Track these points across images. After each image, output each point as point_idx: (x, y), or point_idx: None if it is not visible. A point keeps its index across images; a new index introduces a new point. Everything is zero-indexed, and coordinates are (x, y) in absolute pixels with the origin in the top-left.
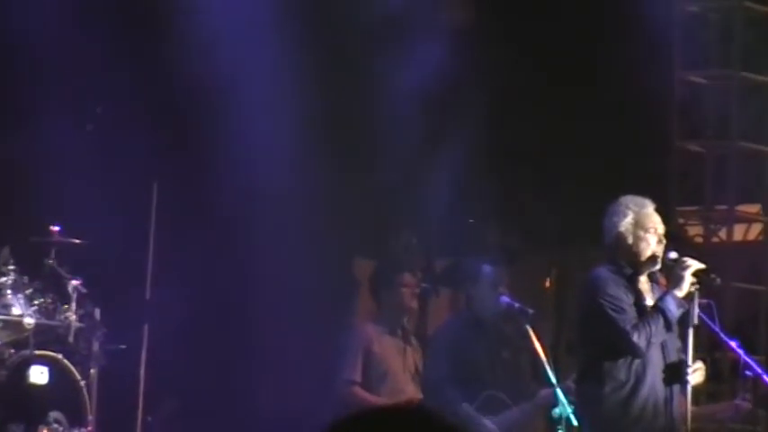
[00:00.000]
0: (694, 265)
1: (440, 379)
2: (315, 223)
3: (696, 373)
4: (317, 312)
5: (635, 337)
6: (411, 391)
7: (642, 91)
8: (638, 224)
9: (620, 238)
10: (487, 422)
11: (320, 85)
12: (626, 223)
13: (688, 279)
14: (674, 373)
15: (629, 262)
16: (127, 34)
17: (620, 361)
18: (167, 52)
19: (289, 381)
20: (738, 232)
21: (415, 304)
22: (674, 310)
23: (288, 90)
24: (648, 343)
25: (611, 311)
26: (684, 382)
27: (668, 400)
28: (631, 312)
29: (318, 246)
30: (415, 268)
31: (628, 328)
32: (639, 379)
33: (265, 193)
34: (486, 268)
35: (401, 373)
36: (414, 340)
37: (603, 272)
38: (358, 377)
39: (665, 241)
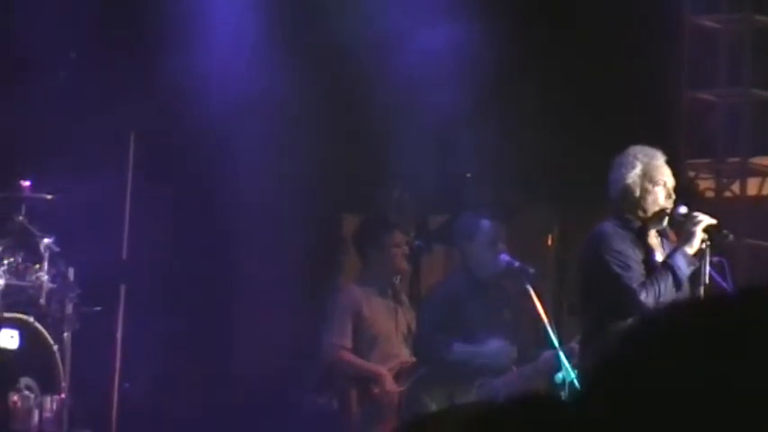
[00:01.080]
0: (705, 220)
1: (429, 331)
2: (301, 177)
3: None
4: (304, 271)
5: (642, 296)
6: (403, 355)
7: (649, 37)
8: (647, 176)
9: (627, 190)
10: (483, 344)
11: (309, 29)
12: (633, 175)
13: (699, 235)
14: None
15: (636, 216)
16: None
17: (626, 322)
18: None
19: (273, 343)
20: (752, 186)
21: (405, 264)
22: (684, 268)
23: (274, 32)
24: (657, 302)
25: (616, 268)
26: None
27: None
28: (639, 269)
29: (305, 201)
30: (406, 225)
31: (634, 285)
32: None
33: (249, 146)
34: (484, 224)
35: (393, 336)
36: (405, 300)
37: (609, 227)
38: (347, 342)
39: (674, 196)
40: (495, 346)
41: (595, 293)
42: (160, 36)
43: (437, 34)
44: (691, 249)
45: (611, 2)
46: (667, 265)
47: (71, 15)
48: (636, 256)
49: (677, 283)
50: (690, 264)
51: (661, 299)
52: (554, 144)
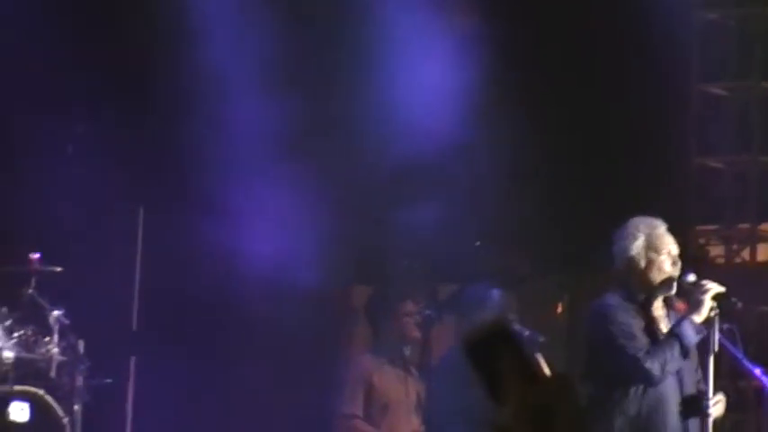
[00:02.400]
0: (714, 288)
1: (444, 412)
2: (311, 249)
3: (716, 406)
4: (315, 344)
5: (647, 364)
6: (413, 424)
7: (657, 105)
8: (651, 246)
9: (632, 262)
10: None
11: (310, 100)
12: (637, 246)
13: (707, 303)
14: (692, 405)
15: (642, 287)
16: (109, 55)
17: (631, 393)
18: (151, 72)
19: (286, 418)
20: (762, 252)
21: (417, 334)
22: (692, 336)
23: (274, 107)
24: (663, 371)
25: (620, 339)
26: (704, 416)
27: None
28: (643, 339)
29: (315, 273)
30: (417, 295)
31: (640, 354)
32: (652, 413)
33: (258, 218)
34: (494, 293)
35: (403, 405)
36: (414, 371)
37: (613, 299)
38: (359, 411)
39: (679, 263)
40: None
41: (600, 365)
42: (167, 106)
43: (447, 100)
44: (699, 317)
45: (619, 71)
46: (674, 333)
47: (79, 88)
48: (640, 326)
49: (684, 352)
50: (698, 332)
51: (668, 367)
52: (563, 212)
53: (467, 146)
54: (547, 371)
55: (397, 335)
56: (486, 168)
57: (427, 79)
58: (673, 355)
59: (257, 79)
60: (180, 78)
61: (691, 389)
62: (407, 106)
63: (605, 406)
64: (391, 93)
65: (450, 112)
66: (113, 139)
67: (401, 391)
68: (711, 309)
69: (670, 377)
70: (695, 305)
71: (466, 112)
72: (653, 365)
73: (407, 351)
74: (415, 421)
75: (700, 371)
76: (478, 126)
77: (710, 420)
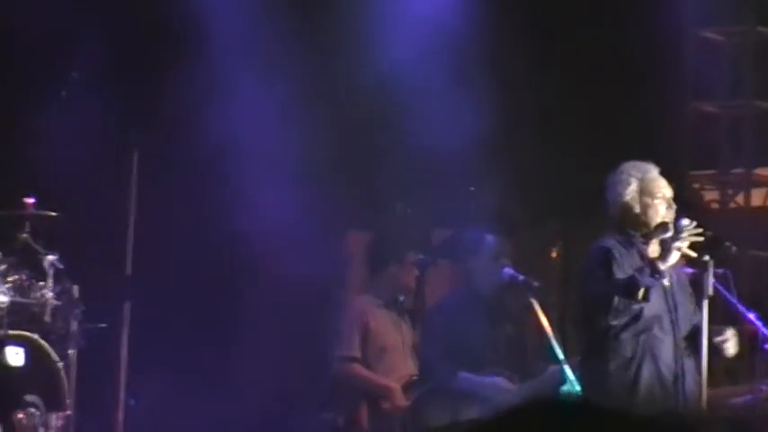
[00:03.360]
0: (687, 241)
1: (436, 356)
2: (305, 193)
3: (729, 343)
4: (310, 287)
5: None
6: (409, 368)
7: (652, 50)
8: (644, 191)
9: (627, 207)
10: (489, 378)
11: (313, 47)
12: (631, 191)
13: (676, 254)
14: (692, 344)
15: (638, 231)
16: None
17: (625, 335)
18: (148, 15)
19: (281, 359)
20: (757, 197)
21: (412, 284)
22: (649, 281)
23: (277, 46)
24: (617, 317)
25: (588, 282)
26: (716, 351)
27: (679, 378)
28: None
29: (310, 217)
30: (414, 242)
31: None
32: (646, 354)
33: (253, 163)
34: (488, 238)
35: (399, 349)
36: (407, 318)
37: (610, 241)
38: (357, 353)
39: (674, 206)
40: (498, 382)
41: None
42: (162, 52)
43: (440, 48)
44: (663, 265)
45: (614, 16)
46: (632, 277)
47: (73, 34)
48: (629, 266)
49: (629, 293)
50: (658, 277)
51: (619, 313)
52: (557, 158)
53: (461, 89)
54: (542, 316)
55: (395, 282)
56: (481, 113)
57: (420, 24)
58: (620, 300)
59: (258, 27)
60: (177, 21)
61: (684, 330)
62: (402, 48)
63: (600, 349)
64: (387, 35)
65: (445, 56)
66: (108, 83)
67: (397, 335)
68: (705, 252)
69: (665, 319)
70: (666, 252)
71: (461, 55)
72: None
73: (401, 298)
74: (411, 365)
75: (698, 312)
76: (473, 70)
77: (704, 363)
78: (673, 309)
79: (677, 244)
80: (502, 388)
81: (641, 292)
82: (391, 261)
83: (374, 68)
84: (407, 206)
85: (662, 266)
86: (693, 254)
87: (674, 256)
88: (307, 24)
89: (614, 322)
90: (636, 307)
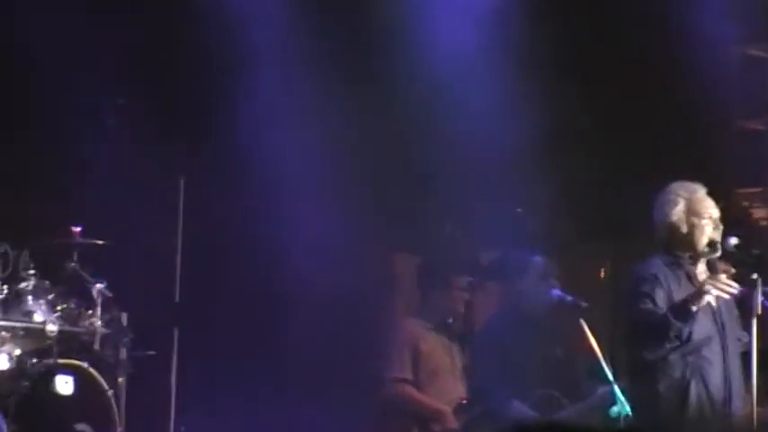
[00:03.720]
0: (725, 289)
1: (488, 379)
2: (353, 217)
3: None
4: (359, 310)
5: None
6: (459, 391)
7: (699, 68)
8: (691, 211)
9: (674, 228)
10: (537, 415)
11: (354, 72)
12: (678, 212)
13: (708, 298)
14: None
15: (685, 252)
16: (147, 21)
17: (674, 356)
18: (192, 39)
19: (329, 384)
20: None
21: (461, 308)
22: (679, 325)
23: (318, 79)
24: (653, 354)
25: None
26: (750, 375)
27: (728, 400)
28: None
29: (358, 240)
30: (462, 265)
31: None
32: (695, 375)
33: (301, 186)
34: (536, 259)
35: (450, 372)
36: (457, 340)
37: (655, 264)
38: (409, 375)
39: (721, 226)
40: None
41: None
42: (208, 78)
43: (492, 72)
44: (695, 306)
45: (662, 34)
46: (666, 317)
47: (120, 60)
48: (679, 291)
49: (660, 335)
50: (687, 317)
51: (653, 351)
52: (605, 177)
53: (509, 110)
54: (591, 337)
55: (444, 306)
56: (528, 133)
57: (465, 44)
58: (656, 340)
59: (292, 51)
60: (224, 48)
61: (733, 351)
62: (445, 70)
63: (649, 370)
64: (428, 57)
65: (492, 75)
66: (154, 110)
67: (447, 358)
68: (753, 271)
69: (714, 340)
70: (698, 294)
71: (509, 76)
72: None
73: (450, 321)
74: (461, 389)
75: (744, 332)
76: (521, 90)
77: (755, 383)
78: (721, 329)
79: (710, 290)
80: None
81: (671, 334)
82: (439, 285)
83: (418, 90)
84: (455, 228)
85: (693, 308)
86: (726, 296)
87: (706, 299)
88: (353, 44)
89: (650, 357)
90: (670, 346)
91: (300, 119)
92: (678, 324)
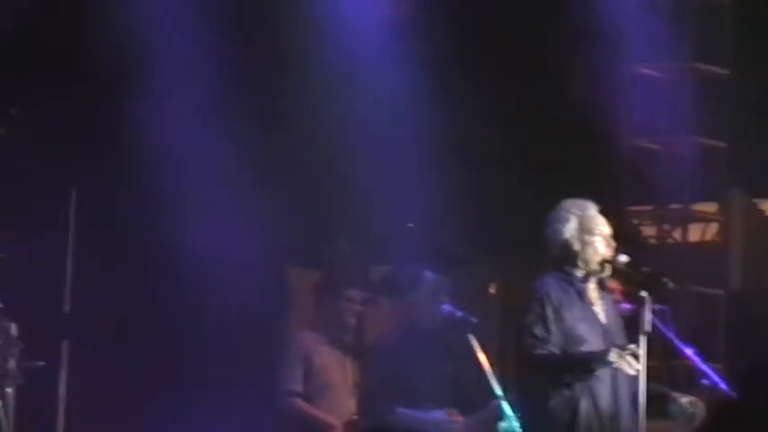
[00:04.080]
0: (625, 362)
1: (373, 390)
2: (246, 231)
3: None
4: (252, 324)
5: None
6: (351, 406)
7: (589, 86)
8: (583, 228)
9: (566, 245)
10: (428, 414)
11: (250, 84)
12: (570, 229)
13: (608, 363)
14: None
15: (578, 269)
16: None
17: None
18: (86, 49)
19: (224, 397)
20: (695, 232)
21: (353, 320)
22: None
23: (214, 90)
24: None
25: (525, 329)
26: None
27: (616, 417)
28: (546, 336)
29: (251, 255)
30: (355, 279)
31: (534, 351)
32: (585, 392)
33: (192, 200)
34: (427, 275)
35: (342, 387)
36: (351, 355)
37: (550, 281)
38: (299, 387)
39: (613, 244)
40: (438, 417)
41: None
42: (101, 90)
43: (385, 78)
44: (598, 367)
45: (553, 53)
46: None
47: (9, 71)
48: (577, 311)
49: (557, 376)
50: (588, 375)
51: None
52: (496, 194)
53: (402, 128)
54: (480, 352)
55: (338, 318)
56: (420, 150)
57: (368, 62)
58: (548, 378)
59: (199, 60)
60: (116, 58)
61: (622, 371)
62: (340, 81)
63: (539, 386)
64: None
65: (390, 91)
66: (46, 122)
67: (340, 372)
68: (643, 288)
69: None
70: (600, 360)
71: (406, 92)
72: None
73: (345, 335)
74: (353, 404)
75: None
76: (416, 108)
77: (642, 399)
78: (610, 347)
79: (613, 360)
80: (442, 424)
81: (564, 381)
82: (330, 297)
83: (313, 102)
84: (347, 242)
85: (596, 367)
86: (628, 371)
87: (608, 364)
88: (256, 54)
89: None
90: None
91: (197, 134)
92: (573, 379)
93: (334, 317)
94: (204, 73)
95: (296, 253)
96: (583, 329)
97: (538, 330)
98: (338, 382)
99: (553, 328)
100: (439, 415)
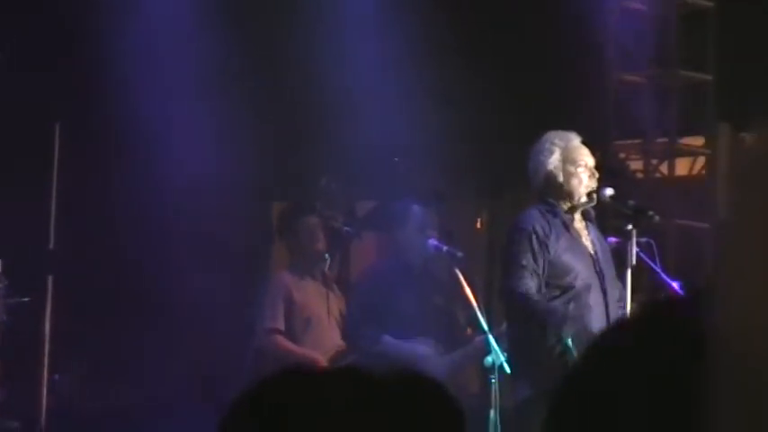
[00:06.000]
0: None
1: (358, 320)
2: (230, 166)
3: None
4: (234, 260)
5: (515, 298)
6: (336, 338)
7: (576, 19)
8: (567, 159)
9: (550, 176)
10: (413, 344)
11: (235, 23)
12: (554, 160)
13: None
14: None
15: (562, 200)
16: None
17: (554, 304)
18: None
19: (205, 334)
20: (681, 167)
21: (321, 245)
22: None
23: (200, 21)
24: (523, 313)
25: (509, 263)
26: None
27: None
28: (529, 271)
29: (234, 190)
30: (334, 211)
31: (515, 287)
32: (576, 321)
33: (178, 134)
34: (415, 209)
35: (325, 320)
36: (335, 287)
37: (535, 213)
38: (280, 325)
39: (597, 175)
40: (421, 350)
41: None
42: (82, 20)
43: (368, 26)
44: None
45: None
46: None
47: None
48: (555, 243)
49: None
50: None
51: (529, 316)
52: (483, 128)
53: (388, 63)
54: (467, 286)
55: (302, 249)
56: (405, 85)
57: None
58: (533, 319)
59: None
60: None
61: (613, 299)
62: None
63: (527, 318)
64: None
65: (373, 29)
66: (29, 55)
67: (322, 306)
68: (629, 221)
69: (594, 288)
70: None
71: (389, 29)
72: (519, 303)
73: (326, 267)
74: (338, 336)
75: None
76: (401, 43)
77: None
78: (601, 277)
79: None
80: (424, 355)
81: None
82: (294, 231)
83: (304, 45)
84: (331, 177)
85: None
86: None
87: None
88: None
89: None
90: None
91: (183, 64)
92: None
93: (299, 249)
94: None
95: (280, 189)
96: (569, 258)
97: (524, 260)
98: (321, 315)
99: (539, 258)
100: (425, 349)
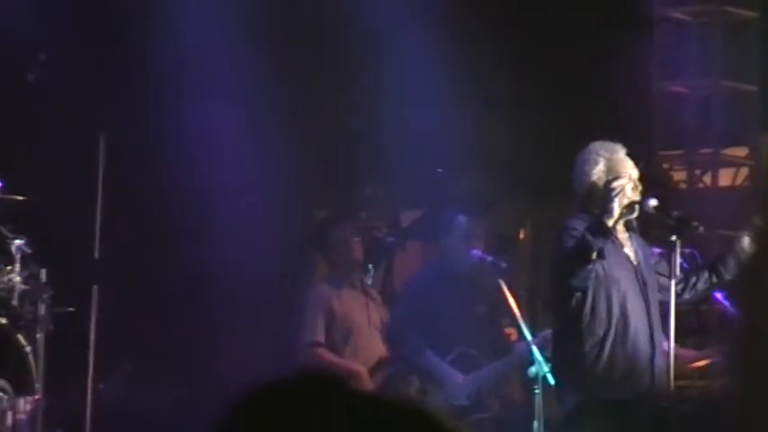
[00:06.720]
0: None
1: (402, 327)
2: (276, 176)
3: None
4: (279, 270)
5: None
6: (377, 346)
7: (620, 30)
8: (611, 171)
9: (593, 187)
10: (453, 370)
11: (279, 33)
12: (598, 171)
13: (617, 207)
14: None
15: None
16: None
17: (597, 315)
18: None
19: (249, 344)
20: (725, 177)
21: (358, 254)
22: (594, 238)
23: (249, 29)
24: (580, 281)
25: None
26: (668, 334)
27: (652, 357)
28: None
29: (279, 200)
30: (376, 220)
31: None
32: (619, 333)
33: (224, 145)
34: (460, 219)
35: (366, 328)
36: (376, 295)
37: (577, 222)
38: (321, 337)
39: (640, 187)
40: (456, 378)
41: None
42: (130, 34)
43: (412, 33)
44: (610, 221)
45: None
46: (582, 236)
47: (41, 16)
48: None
49: (583, 253)
50: (604, 233)
51: (581, 272)
52: (527, 138)
53: (434, 71)
54: (509, 297)
55: (342, 261)
56: (452, 94)
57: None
58: (579, 262)
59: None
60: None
61: (655, 310)
62: (372, 31)
63: (573, 329)
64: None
65: (418, 36)
66: (75, 67)
67: (363, 314)
68: (671, 232)
69: (636, 299)
70: (608, 211)
71: (434, 36)
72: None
73: (366, 277)
74: (380, 345)
75: (664, 291)
76: (446, 51)
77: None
78: (642, 287)
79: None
80: (456, 383)
81: (594, 254)
82: (327, 244)
83: (349, 50)
84: (377, 188)
85: (609, 222)
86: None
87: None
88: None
89: (576, 284)
90: (592, 267)
91: (224, 75)
92: (597, 242)
93: (337, 260)
94: (233, 10)
95: (325, 199)
96: (614, 269)
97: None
98: (361, 324)
99: None
100: (460, 376)
